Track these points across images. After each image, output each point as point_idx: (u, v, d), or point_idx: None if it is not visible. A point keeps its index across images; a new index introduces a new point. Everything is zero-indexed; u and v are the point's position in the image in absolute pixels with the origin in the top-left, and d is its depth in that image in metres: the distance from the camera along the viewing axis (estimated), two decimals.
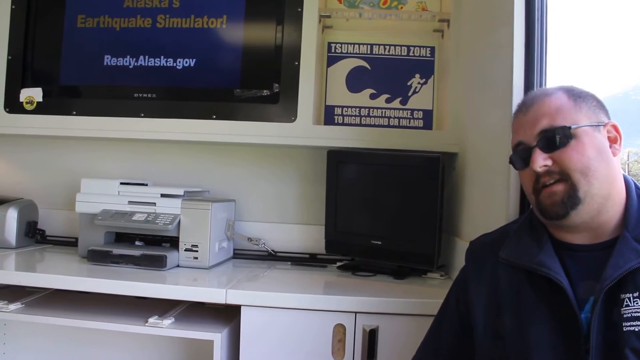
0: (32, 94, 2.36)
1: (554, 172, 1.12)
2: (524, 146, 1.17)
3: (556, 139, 1.11)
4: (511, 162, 1.22)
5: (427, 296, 1.78)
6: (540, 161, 1.11)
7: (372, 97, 2.35)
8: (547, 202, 1.12)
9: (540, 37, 1.51)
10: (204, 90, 2.30)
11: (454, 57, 2.24)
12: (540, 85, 1.50)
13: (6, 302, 1.83)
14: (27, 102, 2.35)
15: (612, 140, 1.14)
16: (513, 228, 1.27)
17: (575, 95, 1.15)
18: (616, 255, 1.05)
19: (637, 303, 1.01)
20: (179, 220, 2.03)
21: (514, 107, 1.47)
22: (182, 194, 2.09)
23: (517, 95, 1.50)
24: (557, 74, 1.53)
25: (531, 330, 1.11)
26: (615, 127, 1.15)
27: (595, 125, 1.12)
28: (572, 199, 1.09)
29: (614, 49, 1.52)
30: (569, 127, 1.10)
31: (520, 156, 1.18)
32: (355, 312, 1.65)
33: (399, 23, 2.36)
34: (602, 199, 1.10)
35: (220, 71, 2.30)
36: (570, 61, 1.58)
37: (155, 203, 2.07)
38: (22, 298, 1.92)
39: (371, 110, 2.35)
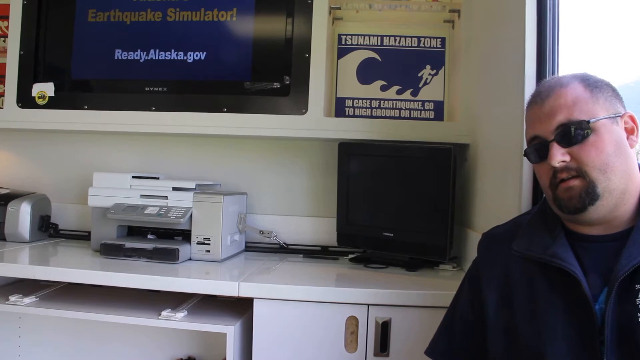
0: (44, 89, 2.37)
1: (571, 168, 1.09)
2: (539, 140, 1.14)
3: (574, 133, 1.08)
4: (526, 155, 1.20)
5: (439, 288, 1.77)
6: (559, 157, 1.09)
7: (383, 88, 2.34)
8: (564, 196, 1.10)
9: (552, 25, 1.50)
10: (215, 83, 2.30)
11: (465, 47, 2.23)
12: (553, 74, 1.48)
13: (21, 295, 1.85)
14: (39, 97, 2.36)
15: (629, 132, 1.12)
16: (525, 219, 1.26)
17: (592, 85, 1.12)
18: (631, 245, 1.04)
19: None
20: (191, 214, 2.04)
21: (527, 97, 1.45)
22: (194, 187, 2.10)
23: (529, 85, 1.49)
24: (569, 62, 1.51)
25: (544, 322, 1.10)
26: (632, 118, 1.13)
27: (613, 117, 1.10)
28: (590, 194, 1.07)
29: (626, 36, 1.49)
30: (588, 121, 1.07)
31: (536, 150, 1.15)
32: (368, 304, 1.65)
33: (409, 14, 2.35)
34: (620, 194, 1.08)
35: (230, 64, 2.30)
36: (582, 49, 1.56)
37: (167, 196, 2.08)
38: (37, 292, 1.94)
39: (382, 102, 2.34)
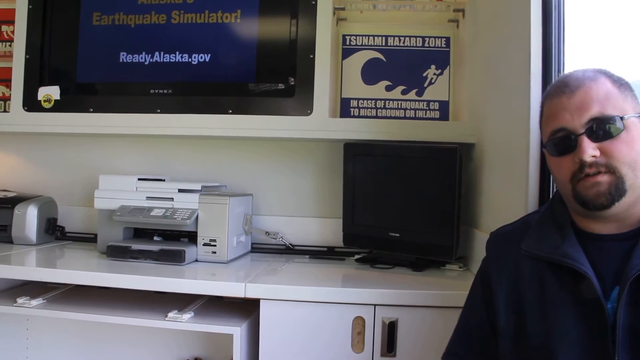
0: (49, 92, 2.37)
1: (600, 164, 1.06)
2: (565, 132, 1.10)
3: (607, 129, 1.05)
4: (546, 147, 1.16)
5: (446, 288, 1.77)
6: (590, 150, 1.05)
7: (388, 89, 2.34)
8: (590, 192, 1.07)
9: (557, 23, 1.49)
10: (220, 85, 2.30)
11: (470, 47, 2.23)
12: (559, 73, 1.48)
13: (28, 298, 1.85)
14: (45, 101, 2.37)
15: None
16: (534, 218, 1.24)
17: (617, 82, 1.10)
18: None
19: None
20: (197, 215, 2.04)
21: (533, 96, 1.46)
22: (200, 189, 2.10)
23: (535, 83, 1.48)
24: (574, 60, 1.50)
25: (555, 322, 1.09)
26: None
27: (638, 116, 1.08)
28: (619, 190, 1.05)
29: (635, 32, 1.48)
30: (621, 118, 1.05)
31: (559, 143, 1.12)
32: (375, 305, 1.65)
33: (414, 14, 2.35)
34: None
35: (235, 66, 2.30)
36: (589, 47, 1.55)
37: (173, 198, 2.08)
38: (44, 294, 1.94)
39: (387, 102, 2.34)
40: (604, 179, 1.06)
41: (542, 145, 1.19)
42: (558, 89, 1.14)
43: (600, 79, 1.10)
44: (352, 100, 2.35)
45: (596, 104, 1.07)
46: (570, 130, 1.09)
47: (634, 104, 1.09)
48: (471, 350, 1.31)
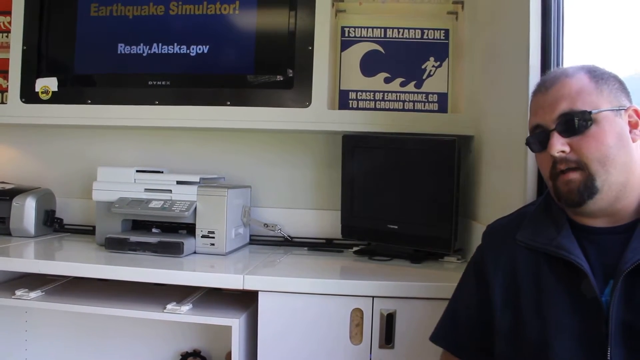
0: (47, 84, 2.37)
1: (570, 160, 1.09)
2: (541, 129, 1.14)
3: (576, 123, 1.07)
4: (528, 144, 1.20)
5: (444, 280, 1.77)
6: (558, 146, 1.08)
7: (387, 81, 2.33)
8: (564, 189, 1.10)
9: (556, 16, 1.49)
10: (218, 77, 2.30)
11: (469, 39, 2.22)
12: (557, 65, 1.48)
13: (27, 290, 1.85)
14: (42, 92, 2.36)
15: (633, 126, 1.10)
16: (530, 210, 1.25)
17: (597, 77, 1.11)
18: (636, 238, 1.04)
19: None
20: (195, 207, 2.04)
21: (531, 89, 1.45)
22: (198, 180, 2.09)
23: (534, 76, 1.48)
24: (574, 53, 1.50)
25: (550, 313, 1.09)
26: (636, 112, 1.11)
27: (617, 110, 1.09)
28: (589, 188, 1.07)
29: (634, 25, 1.48)
30: (590, 112, 1.07)
31: (538, 139, 1.15)
32: (373, 297, 1.65)
33: (413, 6, 2.33)
34: (621, 187, 1.07)
35: (233, 57, 2.30)
36: (588, 40, 1.55)
37: (171, 190, 2.08)
38: (42, 286, 1.94)
39: (385, 94, 2.33)
40: (575, 176, 1.09)
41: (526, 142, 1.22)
42: (537, 87, 1.19)
43: (578, 75, 1.12)
44: (350, 92, 2.35)
45: (566, 99, 1.10)
46: (544, 127, 1.13)
47: (610, 98, 1.10)
48: (459, 334, 1.32)
